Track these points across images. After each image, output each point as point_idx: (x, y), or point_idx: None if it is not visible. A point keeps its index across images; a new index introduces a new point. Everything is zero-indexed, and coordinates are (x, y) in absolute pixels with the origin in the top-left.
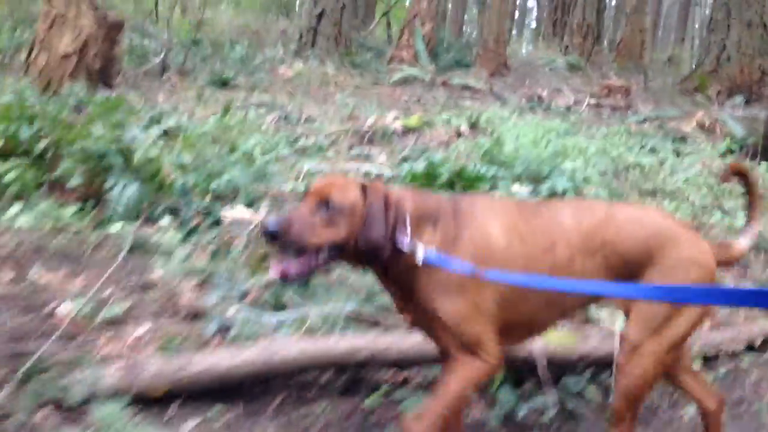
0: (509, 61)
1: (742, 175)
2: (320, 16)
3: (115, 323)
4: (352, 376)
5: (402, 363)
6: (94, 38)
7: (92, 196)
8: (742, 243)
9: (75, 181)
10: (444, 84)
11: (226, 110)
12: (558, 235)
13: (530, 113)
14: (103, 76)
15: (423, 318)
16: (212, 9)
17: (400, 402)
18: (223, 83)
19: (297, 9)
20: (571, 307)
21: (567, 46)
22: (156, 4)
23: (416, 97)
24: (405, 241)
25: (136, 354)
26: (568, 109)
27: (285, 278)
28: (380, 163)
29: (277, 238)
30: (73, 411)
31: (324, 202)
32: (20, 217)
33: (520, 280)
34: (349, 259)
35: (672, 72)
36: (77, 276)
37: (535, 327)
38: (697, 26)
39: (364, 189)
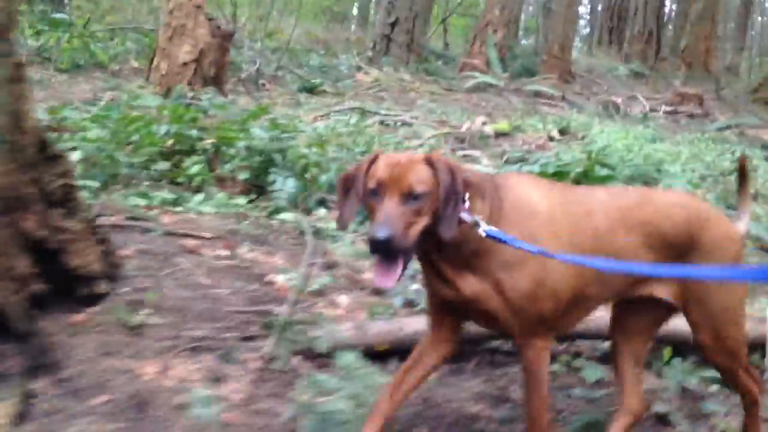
0: (572, 68)
1: (743, 168)
2: (393, 24)
3: (321, 294)
4: None
5: (576, 336)
6: (209, 47)
7: (254, 189)
8: (742, 228)
9: (243, 176)
10: (516, 90)
11: (362, 114)
12: (595, 205)
13: (608, 119)
14: (216, 82)
15: (482, 298)
16: (274, 19)
17: (578, 370)
18: (312, 89)
19: (352, 18)
20: (622, 287)
21: (627, 54)
22: (234, 15)
23: (493, 103)
24: (465, 211)
25: (351, 317)
26: (645, 116)
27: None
28: (486, 164)
29: (392, 246)
30: (320, 359)
31: (408, 193)
32: (204, 205)
33: (597, 264)
34: (421, 242)
35: (733, 80)
36: (273, 255)
37: (586, 306)
38: (754, 34)
39: (431, 163)
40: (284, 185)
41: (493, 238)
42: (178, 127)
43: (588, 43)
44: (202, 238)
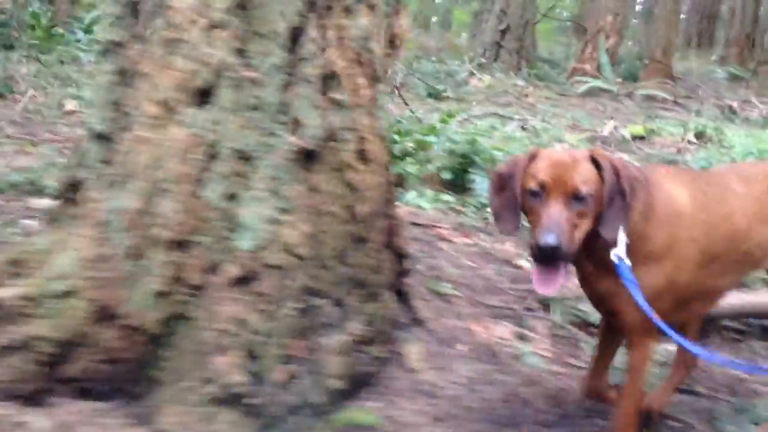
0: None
1: None
2: (504, 31)
3: None
4: (760, 324)
5: None
6: None
7: (453, 187)
8: None
9: (446, 176)
10: (628, 95)
11: (500, 119)
12: (735, 204)
13: (729, 123)
14: None
15: (613, 294)
16: None
17: None
18: (436, 95)
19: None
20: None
21: (723, 57)
22: None
23: (611, 108)
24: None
25: None
26: (765, 119)
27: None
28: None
29: (560, 252)
30: (591, 328)
31: (573, 195)
32: (419, 201)
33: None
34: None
35: None
36: (502, 243)
37: (709, 299)
38: None
39: (595, 160)
40: (483, 184)
41: (618, 268)
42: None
43: (677, 47)
44: (443, 228)
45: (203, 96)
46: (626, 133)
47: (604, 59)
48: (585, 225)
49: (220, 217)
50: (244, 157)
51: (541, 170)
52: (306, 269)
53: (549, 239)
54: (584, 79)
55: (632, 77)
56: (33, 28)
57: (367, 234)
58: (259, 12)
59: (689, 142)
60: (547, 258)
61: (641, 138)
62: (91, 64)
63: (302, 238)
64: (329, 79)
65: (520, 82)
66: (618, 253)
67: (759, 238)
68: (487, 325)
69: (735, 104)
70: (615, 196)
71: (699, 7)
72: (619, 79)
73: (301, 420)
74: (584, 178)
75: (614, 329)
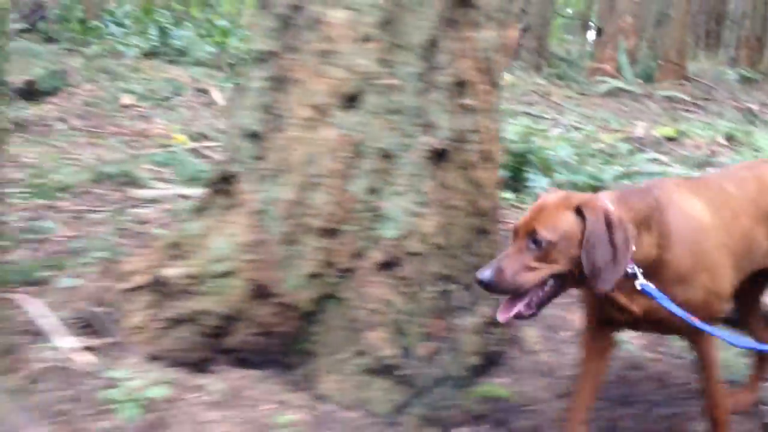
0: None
1: None
2: (524, 30)
3: None
4: None
5: None
6: None
7: (510, 185)
8: None
9: (504, 173)
10: (648, 96)
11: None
12: (738, 206)
13: (752, 126)
14: None
15: (655, 310)
16: None
17: None
18: None
19: None
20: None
21: (733, 59)
22: None
23: (634, 108)
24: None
25: None
26: None
27: (518, 318)
28: (677, 169)
29: (492, 288)
30: None
31: (532, 239)
32: None
33: None
34: (576, 284)
35: None
36: None
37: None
38: None
39: (579, 211)
40: (539, 183)
41: (648, 294)
42: None
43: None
44: (509, 223)
45: (351, 101)
46: (657, 134)
47: (624, 60)
48: (546, 270)
49: (365, 208)
50: (386, 155)
51: (524, 213)
52: (440, 257)
53: (481, 274)
54: (605, 79)
55: (647, 77)
56: (68, 21)
57: (488, 226)
58: (401, 26)
59: (720, 144)
60: (482, 289)
61: (671, 139)
62: (132, 58)
63: (436, 228)
64: (459, 85)
65: (542, 81)
66: (641, 282)
67: (759, 237)
68: (580, 315)
69: (755, 107)
70: (602, 248)
71: (706, 7)
72: (639, 80)
73: (445, 391)
74: (549, 226)
75: (601, 348)
